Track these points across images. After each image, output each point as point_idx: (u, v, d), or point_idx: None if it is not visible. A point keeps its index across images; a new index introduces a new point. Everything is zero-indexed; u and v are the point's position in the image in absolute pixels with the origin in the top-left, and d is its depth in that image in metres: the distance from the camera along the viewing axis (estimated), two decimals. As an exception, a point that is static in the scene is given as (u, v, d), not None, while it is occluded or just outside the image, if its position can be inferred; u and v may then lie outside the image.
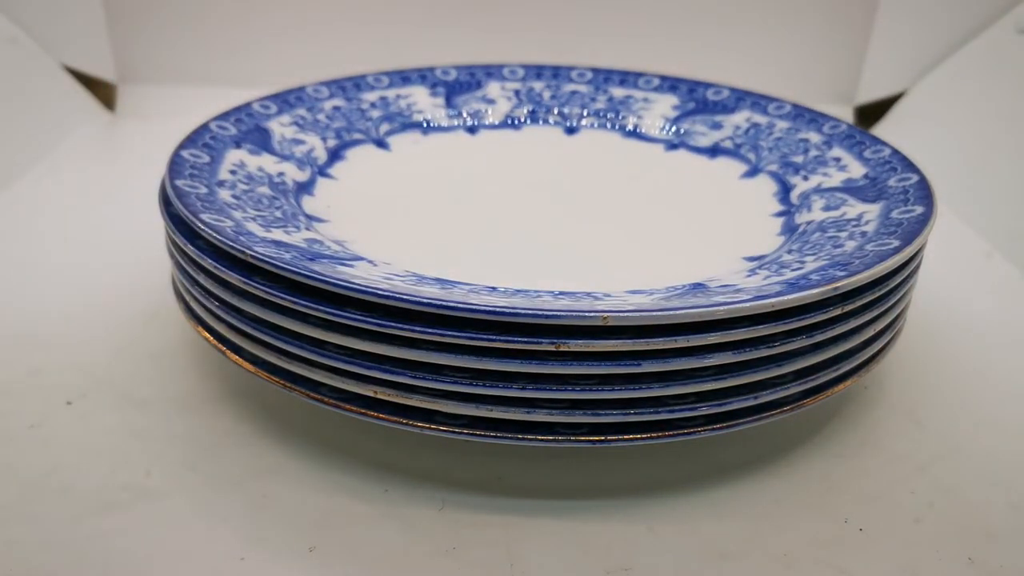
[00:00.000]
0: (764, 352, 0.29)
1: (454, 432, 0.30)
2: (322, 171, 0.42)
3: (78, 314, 0.42)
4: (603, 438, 0.30)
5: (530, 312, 0.27)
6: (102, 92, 0.66)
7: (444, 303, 0.27)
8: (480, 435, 0.30)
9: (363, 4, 0.66)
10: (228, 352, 0.33)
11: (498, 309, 0.27)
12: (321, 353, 0.30)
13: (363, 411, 0.30)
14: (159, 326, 0.41)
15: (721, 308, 0.28)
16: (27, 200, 0.54)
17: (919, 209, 0.36)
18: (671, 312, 0.27)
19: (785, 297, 0.29)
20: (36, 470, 0.33)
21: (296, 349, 0.30)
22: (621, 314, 0.27)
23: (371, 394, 0.30)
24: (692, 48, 0.67)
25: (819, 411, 0.37)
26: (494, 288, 0.32)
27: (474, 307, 0.27)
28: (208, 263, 0.31)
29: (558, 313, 0.27)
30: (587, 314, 0.27)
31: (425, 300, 0.28)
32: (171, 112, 0.51)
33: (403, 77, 0.49)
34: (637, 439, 0.30)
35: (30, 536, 0.30)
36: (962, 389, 0.39)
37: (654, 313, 0.27)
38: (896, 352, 0.41)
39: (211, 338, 0.33)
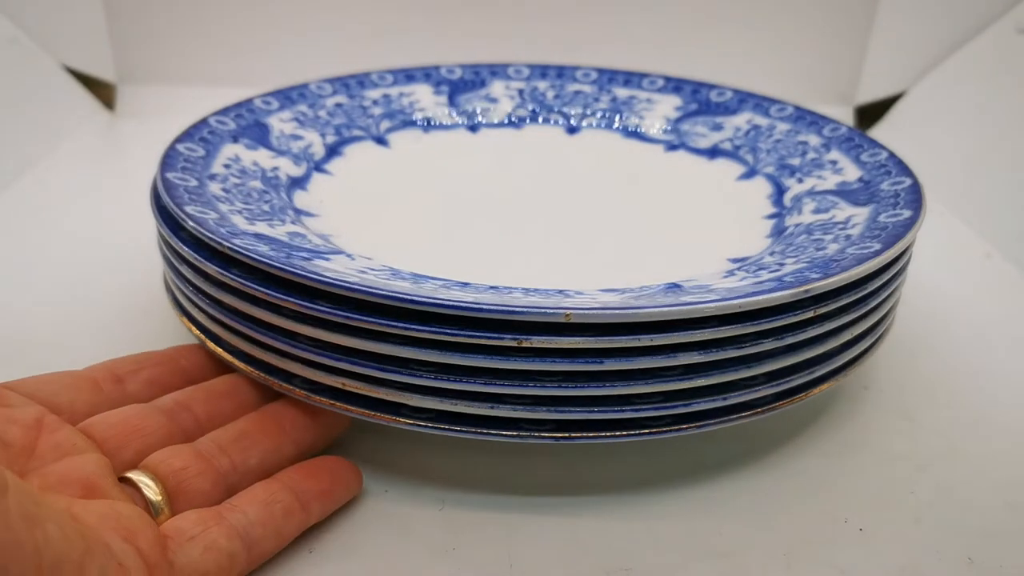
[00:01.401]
0: (733, 353, 0.29)
1: (419, 425, 0.30)
2: (318, 166, 0.43)
3: (77, 314, 0.42)
4: (567, 435, 0.30)
5: (494, 308, 0.27)
6: (102, 92, 0.66)
7: (409, 297, 0.28)
8: (445, 429, 0.30)
9: (364, 4, 0.66)
10: (208, 342, 0.33)
11: (462, 304, 0.27)
12: (294, 344, 0.30)
13: (332, 402, 0.30)
14: (159, 326, 0.41)
15: (684, 308, 0.28)
16: (27, 200, 0.53)
17: (907, 213, 0.35)
18: (633, 311, 0.27)
19: (752, 299, 0.28)
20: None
21: (270, 340, 0.31)
22: (583, 311, 0.27)
23: (340, 386, 0.30)
24: (692, 48, 0.67)
25: (819, 411, 0.36)
26: (466, 284, 0.32)
27: (439, 302, 0.28)
28: (187, 253, 0.32)
29: (521, 309, 0.27)
30: (550, 310, 0.27)
31: (390, 293, 0.28)
32: (171, 112, 0.51)
33: (407, 75, 0.49)
34: (602, 436, 0.30)
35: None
36: (961, 389, 0.39)
37: (616, 311, 0.27)
38: (895, 352, 0.40)
39: (194, 328, 0.34)
